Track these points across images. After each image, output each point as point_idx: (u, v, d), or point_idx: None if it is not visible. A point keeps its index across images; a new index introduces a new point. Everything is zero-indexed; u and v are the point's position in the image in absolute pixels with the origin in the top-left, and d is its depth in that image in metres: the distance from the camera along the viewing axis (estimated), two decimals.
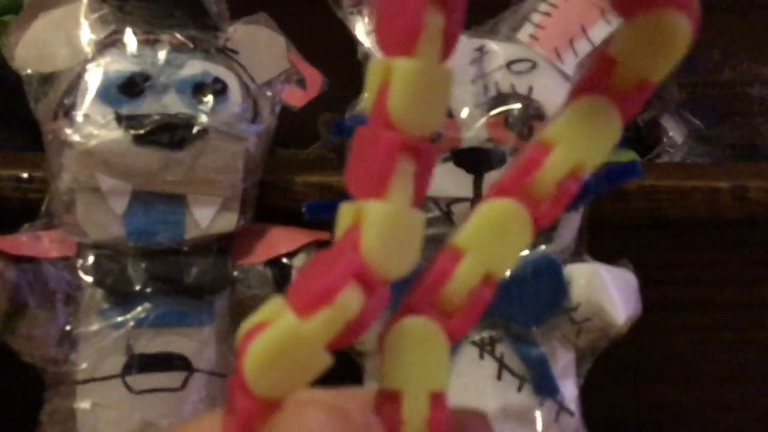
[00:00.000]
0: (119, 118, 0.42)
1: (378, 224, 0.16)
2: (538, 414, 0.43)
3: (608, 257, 0.44)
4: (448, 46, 0.16)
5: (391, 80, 0.16)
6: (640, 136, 0.69)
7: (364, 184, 0.16)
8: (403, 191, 0.16)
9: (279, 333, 0.16)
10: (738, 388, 0.51)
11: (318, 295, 0.16)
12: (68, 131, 0.42)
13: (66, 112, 0.43)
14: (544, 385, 0.43)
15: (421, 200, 0.17)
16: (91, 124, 0.42)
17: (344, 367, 0.45)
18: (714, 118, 0.67)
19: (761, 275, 0.50)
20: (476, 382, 0.43)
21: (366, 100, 0.17)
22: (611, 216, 0.47)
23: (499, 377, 0.43)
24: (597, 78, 0.17)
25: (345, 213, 0.17)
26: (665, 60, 0.17)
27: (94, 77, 0.43)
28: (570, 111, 0.18)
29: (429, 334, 0.17)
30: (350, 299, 0.16)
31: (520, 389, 0.43)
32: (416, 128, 0.16)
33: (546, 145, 0.17)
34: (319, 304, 0.16)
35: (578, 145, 0.17)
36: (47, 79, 0.44)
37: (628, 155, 0.61)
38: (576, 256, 0.44)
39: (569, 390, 0.44)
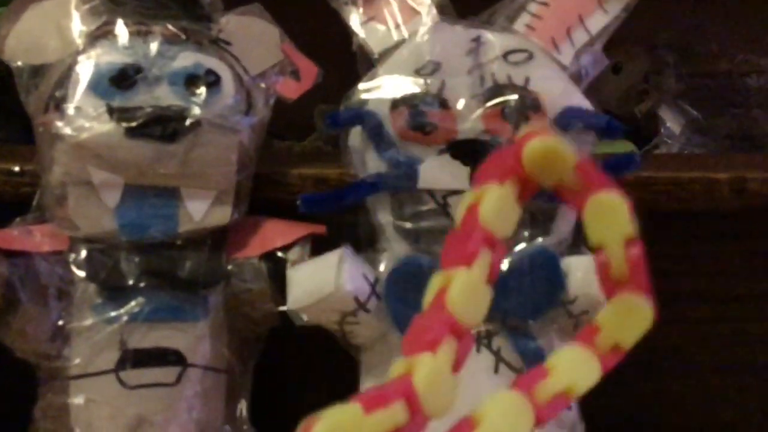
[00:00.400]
0: (111, 111, 0.42)
1: (460, 284, 0.23)
2: None
3: None
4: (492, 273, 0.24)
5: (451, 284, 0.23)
6: (638, 127, 0.69)
7: (453, 257, 0.23)
8: (482, 268, 0.23)
9: None
10: (736, 379, 0.51)
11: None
12: (59, 124, 0.42)
13: (57, 104, 0.42)
14: None
15: (493, 280, 0.24)
16: (83, 117, 0.42)
17: (341, 362, 0.45)
18: (711, 108, 0.67)
19: (759, 267, 0.50)
20: (473, 375, 0.42)
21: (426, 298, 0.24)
22: None
23: (495, 370, 0.42)
24: (586, 338, 0.24)
25: (436, 280, 0.23)
26: (634, 332, 0.24)
27: (85, 69, 0.43)
28: (567, 352, 0.24)
29: None
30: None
31: None
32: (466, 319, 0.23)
33: (545, 369, 0.23)
34: None
35: (571, 374, 0.23)
36: (38, 72, 0.44)
37: (626, 146, 0.61)
38: (573, 248, 0.44)
39: None
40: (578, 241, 0.44)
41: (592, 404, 0.44)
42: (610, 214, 0.23)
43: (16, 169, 0.47)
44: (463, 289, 0.23)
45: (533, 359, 0.42)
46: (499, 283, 0.41)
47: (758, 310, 0.50)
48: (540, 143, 0.23)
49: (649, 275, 0.43)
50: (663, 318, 0.49)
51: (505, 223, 0.24)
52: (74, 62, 0.43)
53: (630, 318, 0.23)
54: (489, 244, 0.23)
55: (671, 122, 0.68)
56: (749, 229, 0.49)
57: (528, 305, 0.42)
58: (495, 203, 0.24)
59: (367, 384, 0.44)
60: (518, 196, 0.24)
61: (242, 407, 0.46)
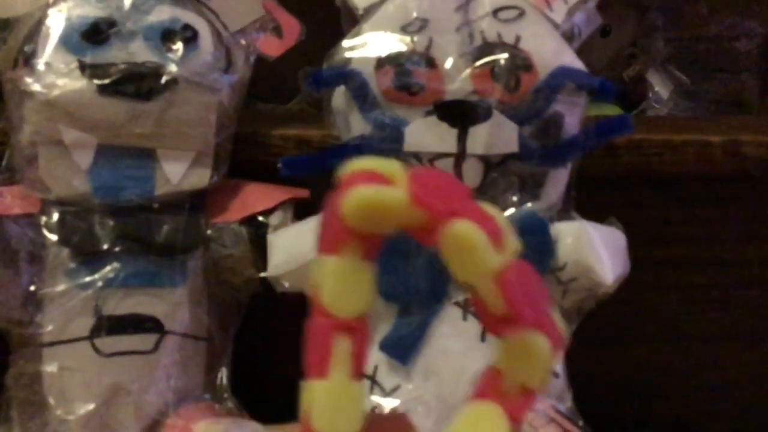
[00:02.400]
0: (83, 67, 0.41)
1: (321, 401, 0.20)
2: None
3: (596, 214, 0.43)
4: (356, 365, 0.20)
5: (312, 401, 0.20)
6: (626, 92, 0.68)
7: (310, 366, 0.20)
8: (342, 367, 0.20)
9: None
10: (726, 346, 0.51)
11: None
12: (29, 80, 0.41)
13: (26, 60, 0.41)
14: None
15: (360, 371, 0.20)
16: (53, 73, 0.40)
17: None
18: (700, 73, 0.66)
19: (753, 232, 0.49)
20: (459, 343, 0.42)
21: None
22: (599, 171, 0.46)
23: (482, 338, 0.42)
24: (488, 386, 0.21)
25: (303, 395, 0.20)
26: (536, 370, 0.20)
27: (55, 23, 0.41)
28: (462, 417, 0.20)
29: None
30: None
31: None
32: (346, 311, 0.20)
33: None
34: None
35: None
36: (6, 25, 0.42)
37: (613, 110, 0.60)
38: (563, 214, 0.43)
39: None
40: (568, 207, 0.44)
41: (579, 371, 0.44)
42: (467, 248, 0.19)
43: None
44: (322, 405, 0.19)
45: None
46: None
47: (749, 276, 0.50)
48: (355, 198, 0.19)
49: (638, 239, 0.43)
50: (652, 284, 0.49)
51: (356, 298, 0.20)
52: (44, 15, 0.42)
53: (527, 356, 0.20)
54: (344, 330, 0.20)
55: (659, 87, 0.67)
56: (743, 194, 0.49)
57: None
58: (335, 283, 0.20)
59: None
60: (363, 255, 0.20)
61: (222, 376, 0.45)
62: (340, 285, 0.20)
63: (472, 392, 0.21)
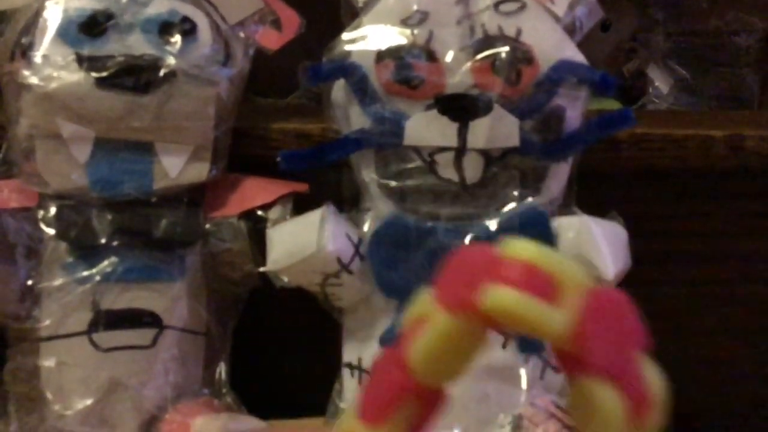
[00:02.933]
0: (80, 60, 0.40)
1: None
2: (522, 371, 0.42)
3: (597, 208, 0.43)
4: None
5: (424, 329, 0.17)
6: (626, 86, 0.68)
7: (369, 408, 0.18)
8: (399, 426, 0.18)
9: None
10: (727, 342, 0.51)
11: None
12: (26, 73, 0.40)
13: (23, 52, 0.41)
14: (529, 342, 0.42)
15: None
16: (51, 66, 0.40)
17: (323, 324, 0.44)
18: (700, 67, 0.66)
19: (754, 227, 0.49)
20: None
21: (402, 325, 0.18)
22: (601, 165, 0.46)
23: None
24: None
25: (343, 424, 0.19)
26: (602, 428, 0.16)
27: (53, 15, 0.41)
28: None
29: None
30: None
31: (504, 346, 0.42)
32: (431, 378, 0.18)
33: None
34: None
35: None
36: (3, 17, 0.42)
37: (613, 105, 0.60)
38: (565, 208, 0.43)
39: None
40: (569, 201, 0.43)
41: None
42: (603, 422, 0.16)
43: None
44: None
45: None
46: (488, 243, 0.41)
47: (751, 271, 0.50)
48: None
49: (639, 233, 0.43)
50: (653, 279, 0.48)
51: (445, 371, 0.18)
52: (41, 7, 0.41)
53: (592, 409, 0.16)
54: (417, 393, 0.18)
55: (659, 81, 0.67)
56: (745, 189, 0.49)
57: None
58: (435, 342, 0.18)
59: (349, 348, 0.43)
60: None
61: (221, 370, 0.45)
62: (439, 354, 0.18)
63: None
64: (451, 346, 0.17)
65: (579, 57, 0.43)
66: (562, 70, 0.42)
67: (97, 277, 0.42)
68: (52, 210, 0.42)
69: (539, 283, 0.15)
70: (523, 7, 0.43)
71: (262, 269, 0.43)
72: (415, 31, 0.42)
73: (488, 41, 0.42)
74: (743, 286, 0.50)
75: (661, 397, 0.16)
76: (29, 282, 0.42)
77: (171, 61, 0.41)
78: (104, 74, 0.40)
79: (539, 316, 0.15)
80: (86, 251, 0.42)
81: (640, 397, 0.16)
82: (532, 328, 0.15)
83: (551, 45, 0.42)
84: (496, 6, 0.42)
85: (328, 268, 0.41)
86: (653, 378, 0.16)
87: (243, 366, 0.46)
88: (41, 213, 0.42)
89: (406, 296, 0.41)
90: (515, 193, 0.42)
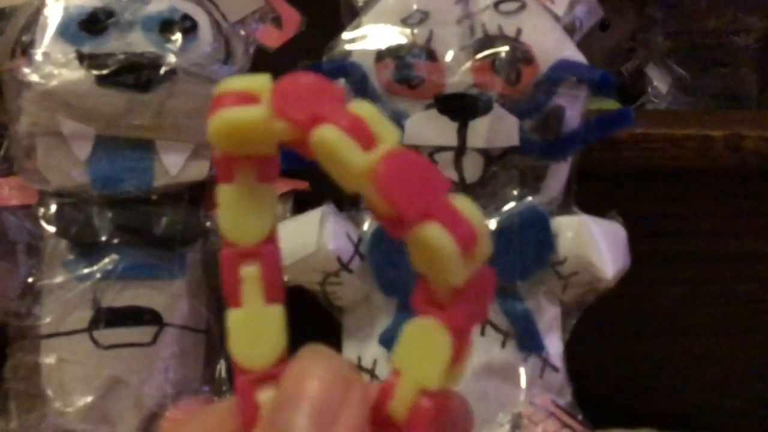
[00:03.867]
0: (81, 57, 0.40)
1: (236, 328, 0.19)
2: (522, 370, 0.42)
3: (596, 208, 0.43)
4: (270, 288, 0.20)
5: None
6: (625, 86, 0.68)
7: (225, 297, 0.19)
8: (254, 294, 0.19)
9: None
10: (724, 340, 0.51)
11: None
12: (27, 71, 0.40)
13: (24, 50, 0.41)
14: (528, 341, 0.42)
15: (274, 296, 0.19)
16: (51, 64, 0.40)
17: (323, 323, 0.44)
18: (699, 67, 0.66)
19: (753, 227, 0.49)
20: None
21: None
22: (600, 165, 0.46)
23: (482, 333, 0.42)
24: (420, 299, 0.19)
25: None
26: (446, 265, 0.17)
27: (53, 12, 0.41)
28: (403, 338, 0.19)
29: None
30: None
31: (503, 345, 0.42)
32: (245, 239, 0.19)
33: (395, 372, 0.19)
34: None
35: (417, 370, 0.19)
36: (3, 15, 0.42)
37: (612, 105, 0.60)
38: (564, 208, 0.43)
39: (554, 345, 0.43)
40: (569, 201, 0.43)
41: (580, 365, 0.43)
42: (331, 151, 0.18)
43: None
44: (238, 332, 0.19)
45: (521, 321, 0.42)
46: None
47: (747, 271, 0.50)
48: (216, 124, 0.18)
49: (638, 233, 0.43)
50: (652, 278, 0.49)
51: (254, 223, 0.19)
52: (42, 5, 0.41)
53: (429, 252, 0.17)
54: (249, 258, 0.19)
55: (658, 81, 0.67)
56: (744, 188, 0.49)
57: (516, 266, 0.41)
58: (230, 211, 0.19)
59: (349, 346, 0.43)
60: (258, 178, 0.19)
61: (221, 368, 0.45)
62: (236, 212, 0.19)
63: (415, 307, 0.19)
64: (249, 139, 0.19)
65: (579, 56, 0.43)
66: (562, 70, 0.42)
67: (98, 275, 0.42)
68: (53, 207, 0.42)
69: (362, 134, 0.17)
70: (523, 6, 0.43)
71: None
72: (415, 31, 0.42)
73: (488, 41, 0.42)
74: (742, 285, 0.50)
75: (484, 229, 0.18)
76: (30, 279, 0.42)
77: (171, 59, 0.41)
78: (105, 72, 0.40)
79: (348, 153, 0.17)
80: (87, 249, 0.42)
81: (463, 230, 0.17)
82: (339, 162, 0.17)
83: (551, 45, 0.42)
84: (496, 5, 0.42)
85: (328, 267, 0.41)
86: (472, 213, 0.18)
87: None
88: (42, 210, 0.42)
89: (406, 295, 0.41)
90: (515, 192, 0.42)
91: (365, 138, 0.17)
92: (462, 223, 0.17)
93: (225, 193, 0.19)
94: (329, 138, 0.17)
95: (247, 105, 0.18)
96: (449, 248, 0.17)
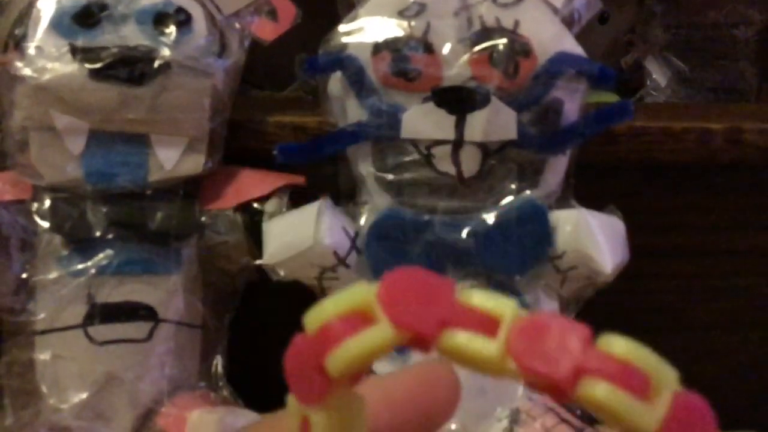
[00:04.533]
0: (74, 51, 0.40)
1: None
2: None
3: (595, 201, 0.43)
4: None
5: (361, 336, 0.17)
6: (624, 79, 0.67)
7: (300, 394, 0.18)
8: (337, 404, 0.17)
9: None
10: (723, 335, 0.51)
11: None
12: (19, 64, 0.40)
13: (16, 43, 0.40)
14: None
15: None
16: (44, 57, 0.40)
17: None
18: (698, 60, 0.66)
19: (754, 220, 0.49)
20: None
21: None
22: (598, 158, 0.45)
23: None
24: None
25: None
26: None
27: (46, 5, 0.40)
28: None
29: None
30: None
31: None
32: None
33: None
34: None
35: None
36: None
37: (610, 98, 0.60)
38: (562, 201, 0.43)
39: None
40: (567, 194, 0.43)
41: None
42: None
43: None
44: None
45: None
46: (485, 238, 0.41)
47: (749, 265, 0.50)
48: (344, 358, 0.16)
49: (637, 227, 0.43)
50: (650, 273, 0.48)
51: None
52: None
53: None
54: None
55: (657, 74, 0.67)
56: (744, 182, 0.48)
57: (514, 260, 0.41)
58: None
59: None
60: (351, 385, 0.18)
61: (218, 364, 0.45)
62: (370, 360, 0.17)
63: None
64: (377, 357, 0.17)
65: (577, 49, 0.42)
66: (561, 63, 0.41)
67: (92, 270, 0.41)
68: (47, 202, 0.42)
69: (475, 321, 0.16)
70: None
71: (258, 262, 0.42)
72: (412, 23, 0.41)
73: (486, 33, 0.41)
74: (742, 279, 0.50)
75: (646, 357, 0.16)
76: (24, 275, 0.42)
77: (166, 52, 0.40)
78: (98, 65, 0.40)
79: (633, 413, 0.15)
80: (81, 244, 0.42)
81: (620, 371, 0.15)
82: (626, 423, 0.15)
83: (549, 37, 0.42)
84: None
85: (325, 262, 0.41)
86: (622, 347, 0.16)
87: (239, 359, 0.45)
88: (35, 206, 0.42)
89: None
90: (513, 186, 0.42)
91: (483, 324, 0.16)
92: (618, 365, 0.15)
93: (320, 422, 0.17)
94: (457, 343, 0.16)
95: (365, 327, 0.16)
96: (623, 400, 0.15)
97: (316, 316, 0.17)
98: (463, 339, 0.16)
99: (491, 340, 0.16)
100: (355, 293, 0.17)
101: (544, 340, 0.15)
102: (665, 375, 0.15)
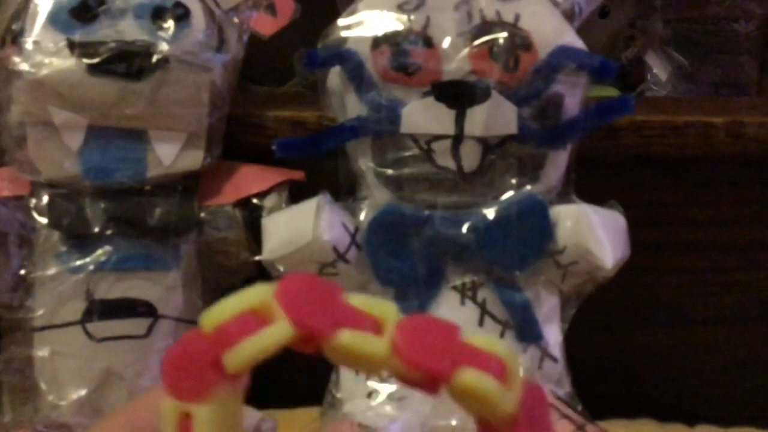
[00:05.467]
0: (72, 46, 0.40)
1: None
2: (520, 361, 0.41)
3: (596, 196, 0.43)
4: None
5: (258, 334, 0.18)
6: (624, 73, 0.67)
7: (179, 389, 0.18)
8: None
9: None
10: (727, 330, 0.50)
11: None
12: (17, 60, 0.40)
13: (14, 38, 0.40)
14: (527, 331, 0.41)
15: None
16: (42, 52, 0.40)
17: None
18: (699, 54, 0.66)
19: (755, 214, 0.49)
20: None
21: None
22: (599, 153, 0.45)
23: (480, 323, 0.41)
24: None
25: None
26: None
27: (44, 1, 0.40)
28: None
29: None
30: None
31: (502, 335, 0.41)
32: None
33: None
34: None
35: None
36: None
37: (611, 92, 0.59)
38: (563, 196, 0.43)
39: (553, 336, 0.42)
40: (568, 189, 0.43)
41: (579, 355, 0.43)
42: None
43: None
44: None
45: (519, 311, 0.41)
46: (486, 233, 0.41)
47: (749, 259, 0.49)
48: (242, 355, 0.18)
49: (638, 221, 0.42)
50: (651, 267, 0.48)
51: None
52: None
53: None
54: None
55: (658, 69, 0.67)
56: (745, 176, 0.48)
57: (515, 255, 0.41)
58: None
59: None
60: (234, 390, 0.19)
61: None
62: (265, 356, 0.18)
63: None
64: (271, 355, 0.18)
65: (578, 43, 0.42)
66: (561, 56, 0.41)
67: (91, 267, 0.41)
68: (45, 198, 0.42)
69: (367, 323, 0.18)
70: None
71: (257, 258, 0.42)
72: (412, 17, 0.41)
73: (486, 27, 0.41)
74: (743, 274, 0.50)
75: (506, 352, 0.19)
76: (22, 271, 0.42)
77: (164, 47, 0.40)
78: (96, 60, 0.40)
79: (500, 397, 0.18)
80: (79, 240, 0.41)
81: (492, 362, 0.18)
82: (492, 407, 0.18)
83: (550, 31, 0.42)
84: None
85: (325, 258, 0.41)
86: (488, 344, 0.19)
87: None
88: (33, 201, 0.42)
89: (403, 285, 0.41)
90: (513, 181, 0.42)
91: (368, 325, 0.18)
92: (486, 357, 0.18)
93: (204, 416, 0.18)
94: (348, 341, 0.18)
95: (268, 326, 0.18)
96: (490, 384, 0.18)
97: (213, 316, 0.18)
98: (354, 337, 0.17)
99: (379, 339, 0.18)
100: (253, 294, 0.18)
101: (424, 338, 0.18)
102: (516, 362, 0.18)
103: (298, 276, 0.18)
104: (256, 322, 0.18)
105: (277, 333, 0.17)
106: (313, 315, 0.17)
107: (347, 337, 0.17)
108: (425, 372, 0.17)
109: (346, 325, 0.18)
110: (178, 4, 0.41)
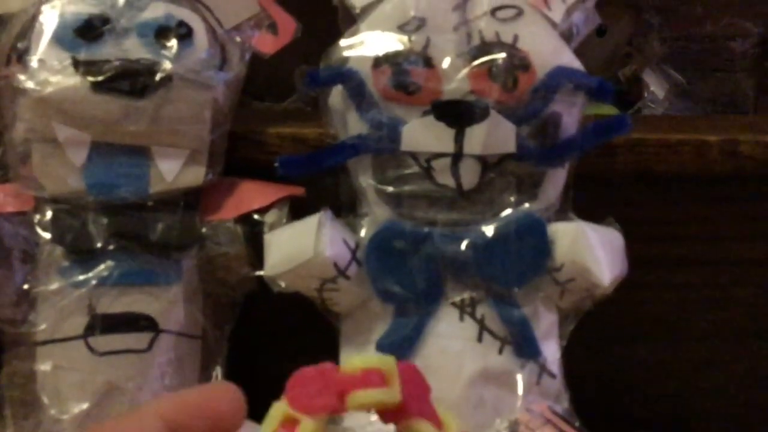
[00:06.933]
0: (76, 64, 0.40)
1: None
2: (519, 377, 0.42)
3: (593, 213, 0.43)
4: None
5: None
6: (621, 91, 0.68)
7: None
8: None
9: None
10: (721, 345, 0.51)
11: None
12: (22, 77, 0.40)
13: (19, 57, 0.41)
14: (525, 347, 0.42)
15: None
16: (47, 70, 0.40)
17: (320, 329, 0.44)
18: (695, 72, 0.66)
19: (749, 232, 0.49)
20: (456, 343, 0.41)
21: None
22: (596, 170, 0.45)
23: (479, 339, 0.41)
24: None
25: None
26: None
27: (49, 19, 0.41)
28: None
29: None
30: None
31: (500, 351, 0.42)
32: None
33: None
34: None
35: None
36: None
37: (609, 110, 0.60)
38: (561, 214, 0.43)
39: (551, 352, 0.43)
40: (566, 207, 0.43)
41: (577, 371, 0.43)
42: None
43: None
44: None
45: (518, 328, 0.41)
46: (484, 250, 0.41)
47: (746, 276, 0.50)
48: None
49: (634, 238, 0.43)
50: (648, 283, 0.48)
51: None
52: (38, 12, 0.41)
53: None
54: None
55: (655, 86, 0.67)
56: (740, 193, 0.48)
57: (513, 272, 0.41)
58: None
59: (346, 353, 0.43)
60: None
61: (217, 374, 0.45)
62: None
63: None
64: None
65: (576, 63, 0.43)
66: (559, 77, 0.41)
67: (93, 281, 0.42)
68: (48, 214, 0.42)
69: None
70: (520, 13, 0.42)
71: (259, 274, 0.43)
72: (413, 38, 0.42)
73: (485, 47, 0.41)
74: (738, 290, 0.50)
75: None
76: (25, 286, 0.42)
77: (167, 65, 0.41)
78: (100, 78, 0.40)
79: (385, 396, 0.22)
80: (82, 255, 0.42)
81: (439, 423, 0.22)
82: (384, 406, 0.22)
83: (548, 51, 0.42)
84: (493, 12, 0.42)
85: (325, 274, 0.41)
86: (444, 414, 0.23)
87: (239, 370, 0.45)
88: (37, 217, 0.42)
89: (403, 301, 0.41)
90: (512, 199, 0.42)
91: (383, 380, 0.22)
92: (365, 373, 0.22)
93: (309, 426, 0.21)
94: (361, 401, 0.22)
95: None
96: (374, 394, 0.22)
97: (356, 362, 0.22)
98: (365, 396, 0.21)
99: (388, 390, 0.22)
100: (272, 414, 0.22)
101: (305, 389, 0.22)
102: (388, 363, 0.22)
103: (296, 376, 0.22)
104: (380, 380, 0.22)
105: (388, 396, 0.22)
106: (322, 401, 0.21)
107: (359, 399, 0.22)
108: (319, 412, 0.21)
109: (351, 389, 0.22)
110: (182, 24, 0.42)
